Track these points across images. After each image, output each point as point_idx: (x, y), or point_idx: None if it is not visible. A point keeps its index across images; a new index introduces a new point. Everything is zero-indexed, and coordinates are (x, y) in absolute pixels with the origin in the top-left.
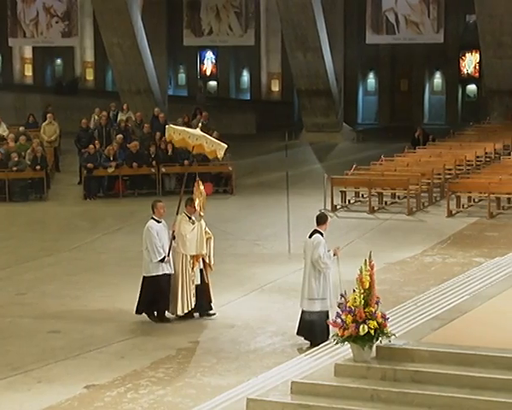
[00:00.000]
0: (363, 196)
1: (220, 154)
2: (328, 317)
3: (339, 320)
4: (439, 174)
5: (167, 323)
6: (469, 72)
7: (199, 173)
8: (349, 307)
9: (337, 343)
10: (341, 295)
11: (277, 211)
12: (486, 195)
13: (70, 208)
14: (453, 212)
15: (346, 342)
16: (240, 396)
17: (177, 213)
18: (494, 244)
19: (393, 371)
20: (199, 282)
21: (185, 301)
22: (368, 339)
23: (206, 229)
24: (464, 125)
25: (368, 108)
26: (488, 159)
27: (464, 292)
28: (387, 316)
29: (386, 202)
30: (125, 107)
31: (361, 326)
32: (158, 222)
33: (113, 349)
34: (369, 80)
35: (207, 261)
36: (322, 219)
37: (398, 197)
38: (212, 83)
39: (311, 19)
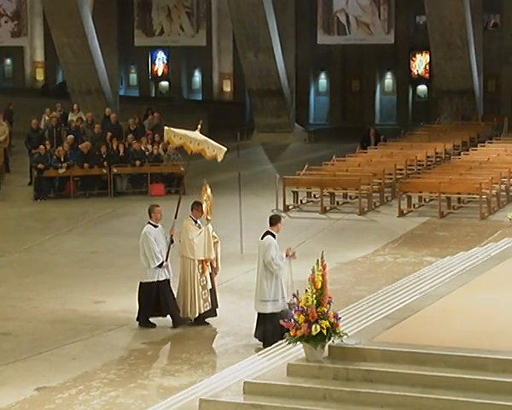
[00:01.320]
0: (315, 196)
1: (220, 157)
2: (280, 318)
3: (291, 320)
4: (391, 174)
5: (152, 328)
6: (420, 72)
7: (151, 174)
8: (301, 306)
9: (289, 343)
10: (293, 295)
11: (230, 211)
12: (437, 194)
13: (20, 209)
14: (404, 212)
15: (299, 342)
16: (192, 397)
17: (175, 217)
18: (444, 244)
19: (346, 371)
20: (211, 286)
21: (194, 305)
22: (320, 339)
23: (214, 233)
24: (415, 126)
25: (319, 109)
26: (438, 159)
27: (415, 291)
28: (340, 316)
29: (337, 202)
30: (75, 107)
31: (313, 326)
32: (155, 227)
33: (64, 351)
34: (320, 81)
35: (214, 265)
36: (274, 221)
37: (350, 197)
38: (164, 83)
39: (263, 19)
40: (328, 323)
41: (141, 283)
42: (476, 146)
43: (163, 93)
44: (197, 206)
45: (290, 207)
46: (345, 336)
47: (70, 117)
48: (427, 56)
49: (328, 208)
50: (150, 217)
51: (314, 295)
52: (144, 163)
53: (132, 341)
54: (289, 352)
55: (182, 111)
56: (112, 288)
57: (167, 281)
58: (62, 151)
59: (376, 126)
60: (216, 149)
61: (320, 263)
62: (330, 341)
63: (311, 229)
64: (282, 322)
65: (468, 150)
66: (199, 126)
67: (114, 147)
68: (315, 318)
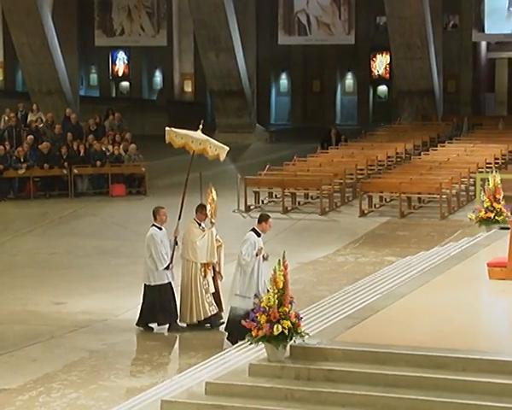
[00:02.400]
0: (276, 196)
1: (223, 156)
2: (246, 317)
3: (253, 320)
4: (352, 174)
5: (151, 332)
6: (380, 73)
7: (111, 175)
8: (263, 307)
9: (251, 343)
10: (255, 296)
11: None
12: (398, 194)
13: None
14: (365, 211)
15: (260, 342)
16: (154, 398)
17: (178, 219)
18: (405, 243)
19: (307, 371)
20: (214, 290)
21: (199, 308)
22: (282, 339)
23: (217, 236)
24: (375, 126)
25: (280, 109)
26: (399, 159)
27: (376, 291)
28: (301, 316)
29: (299, 203)
30: (34, 107)
31: (275, 326)
32: (160, 229)
33: (24, 353)
34: (281, 81)
35: (217, 269)
36: (260, 219)
37: (311, 197)
38: (125, 83)
39: (224, 19)
40: (289, 323)
41: (148, 285)
42: (436, 146)
43: (124, 93)
44: (202, 209)
45: (251, 207)
46: (306, 336)
47: (30, 117)
48: (388, 57)
49: (289, 208)
50: (155, 219)
51: (276, 296)
52: (105, 164)
53: (93, 342)
54: (251, 352)
55: (143, 111)
56: (72, 289)
57: (170, 284)
58: (22, 152)
59: (337, 127)
60: (218, 149)
61: (282, 263)
62: (292, 341)
63: (273, 229)
64: (243, 322)
65: (428, 150)
66: (200, 126)
67: (75, 147)
68: (277, 318)
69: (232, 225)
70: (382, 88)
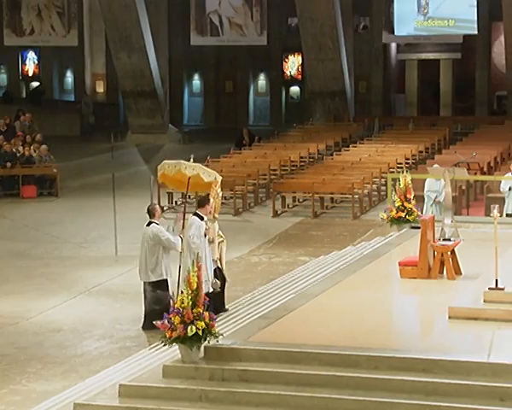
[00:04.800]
0: (189, 196)
1: (218, 185)
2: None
3: (167, 322)
4: (265, 175)
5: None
6: (292, 74)
7: (22, 176)
8: (177, 308)
9: (165, 345)
10: (170, 297)
11: (104, 213)
12: (310, 195)
13: None
14: (278, 212)
15: (174, 344)
16: (67, 401)
17: (182, 228)
18: (318, 243)
19: (221, 371)
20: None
21: None
22: (196, 340)
23: (219, 232)
24: (288, 127)
25: (193, 110)
26: (312, 159)
27: (290, 291)
28: (215, 316)
29: None
30: None
31: (189, 327)
32: (157, 225)
33: None
34: (194, 82)
35: (219, 266)
36: (201, 203)
37: (225, 198)
38: (35, 84)
39: (135, 19)
40: (203, 324)
41: (149, 282)
42: (348, 146)
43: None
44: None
45: (165, 208)
46: (220, 337)
47: None
48: (300, 58)
49: None
50: (154, 216)
51: (190, 297)
52: (15, 165)
53: (4, 346)
54: (165, 353)
55: (54, 112)
56: None
57: (167, 280)
58: None
59: (250, 127)
60: (211, 175)
61: (195, 264)
62: (206, 341)
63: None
64: (155, 323)
65: (340, 151)
66: (191, 160)
67: None
68: (190, 319)
69: None
70: (295, 89)
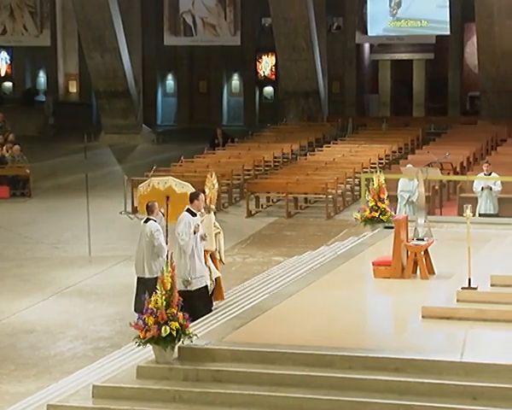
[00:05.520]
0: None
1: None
2: (205, 293)
3: (140, 322)
4: (239, 175)
5: None
6: (266, 74)
7: None
8: (151, 308)
9: (139, 345)
10: (143, 297)
11: (77, 214)
12: (284, 195)
13: None
14: (252, 212)
15: (148, 344)
16: (40, 403)
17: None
18: (292, 243)
19: (195, 372)
20: (220, 274)
21: None
22: (170, 340)
23: (216, 223)
24: (262, 127)
25: (167, 110)
26: (285, 159)
27: (264, 291)
28: (189, 317)
29: None
30: None
31: (163, 328)
32: (155, 222)
33: None
34: (167, 82)
35: (217, 257)
36: (191, 198)
37: None
38: (7, 84)
39: (108, 19)
40: (177, 324)
41: (143, 278)
42: (322, 147)
43: (7, 94)
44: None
45: (138, 208)
46: (194, 337)
47: None
48: (273, 58)
49: None
50: (152, 213)
51: (163, 297)
52: None
53: None
54: (139, 354)
55: (27, 112)
56: None
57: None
58: None
59: (224, 127)
60: (185, 187)
61: (169, 264)
62: (180, 342)
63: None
64: (130, 323)
65: (314, 151)
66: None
67: None
68: (164, 319)
69: (119, 226)
70: (268, 89)
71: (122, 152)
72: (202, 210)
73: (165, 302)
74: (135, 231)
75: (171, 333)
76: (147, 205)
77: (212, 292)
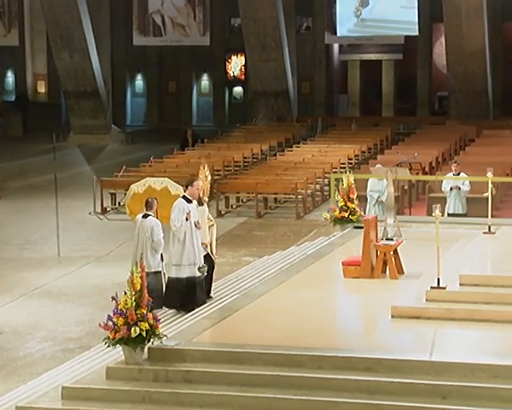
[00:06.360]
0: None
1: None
2: (200, 283)
3: (110, 323)
4: None
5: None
6: (235, 74)
7: None
8: (120, 309)
9: (109, 346)
10: (112, 298)
11: (46, 214)
12: (254, 195)
13: None
14: (222, 212)
15: (118, 345)
16: (8, 404)
17: None
18: (262, 243)
19: (165, 372)
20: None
21: None
22: (139, 341)
23: (209, 216)
24: (231, 127)
25: (136, 110)
26: (255, 160)
27: (234, 291)
28: (159, 317)
29: None
30: None
31: (132, 328)
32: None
33: None
34: (137, 82)
35: (209, 250)
36: (186, 184)
37: None
38: None
39: (77, 19)
40: (147, 325)
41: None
42: (291, 147)
43: None
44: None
45: (108, 209)
46: (164, 338)
47: None
48: (243, 58)
49: None
50: (151, 209)
51: (133, 298)
52: None
53: None
54: (109, 355)
55: None
56: None
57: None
58: None
59: (193, 128)
60: (178, 189)
61: (139, 265)
62: (150, 343)
63: (130, 231)
64: (99, 324)
65: (283, 151)
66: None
67: None
68: (134, 320)
69: (88, 227)
70: (238, 89)
71: (91, 152)
72: (194, 202)
73: (134, 303)
74: (104, 232)
75: (140, 334)
76: (146, 201)
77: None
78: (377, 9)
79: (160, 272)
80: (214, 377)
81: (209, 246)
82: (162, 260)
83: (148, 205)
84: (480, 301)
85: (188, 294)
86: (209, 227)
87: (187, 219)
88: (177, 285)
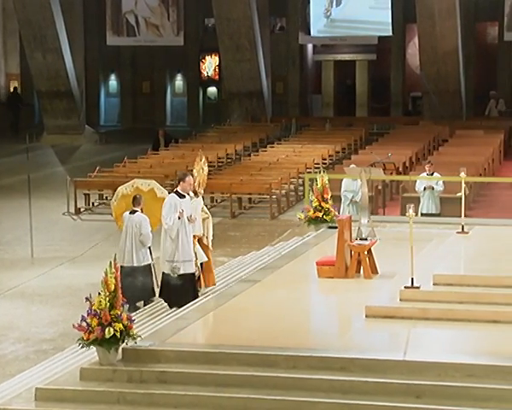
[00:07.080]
0: (107, 198)
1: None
2: (192, 279)
3: (84, 324)
4: None
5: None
6: (210, 74)
7: None
8: (94, 310)
9: (83, 347)
10: (86, 299)
11: (20, 215)
12: (228, 195)
13: None
14: None
15: (92, 346)
16: None
17: None
18: (236, 243)
19: (140, 373)
20: (205, 259)
21: None
22: (114, 342)
23: (204, 208)
24: (206, 127)
25: (110, 110)
26: (229, 160)
27: (208, 291)
28: (133, 318)
29: None
30: None
31: (106, 329)
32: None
33: None
34: (110, 82)
35: (205, 243)
36: (179, 179)
37: None
38: None
39: (50, 19)
40: (121, 325)
41: (131, 266)
42: (266, 147)
43: None
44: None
45: (82, 209)
46: (138, 339)
47: None
48: (217, 58)
49: None
50: (139, 206)
51: (107, 298)
52: None
53: None
54: (83, 356)
55: None
56: None
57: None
58: None
59: (167, 128)
60: (164, 192)
61: (113, 265)
62: (124, 343)
63: (104, 231)
64: (73, 325)
65: (257, 151)
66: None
67: None
68: (108, 321)
69: (62, 227)
70: (212, 89)
71: (65, 153)
72: (191, 193)
73: (108, 304)
74: (78, 232)
75: (114, 334)
76: (134, 197)
77: (198, 278)
78: (347, 10)
79: (150, 264)
80: (189, 378)
81: (204, 239)
82: (151, 254)
83: (136, 201)
84: (454, 300)
85: (181, 290)
86: (204, 220)
87: (179, 218)
88: (170, 281)
